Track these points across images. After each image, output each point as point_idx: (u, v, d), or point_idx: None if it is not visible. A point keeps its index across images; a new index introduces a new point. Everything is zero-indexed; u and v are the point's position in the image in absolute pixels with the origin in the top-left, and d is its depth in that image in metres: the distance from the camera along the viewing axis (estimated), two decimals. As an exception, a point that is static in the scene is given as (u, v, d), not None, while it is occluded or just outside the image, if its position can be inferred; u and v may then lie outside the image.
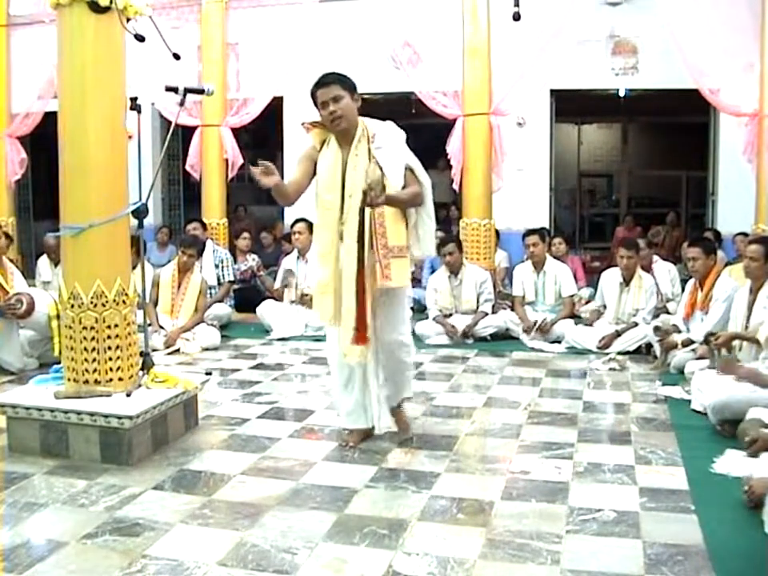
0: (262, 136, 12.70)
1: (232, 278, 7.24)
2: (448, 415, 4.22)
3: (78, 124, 3.58)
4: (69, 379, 3.67)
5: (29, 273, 7.41)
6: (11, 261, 6.16)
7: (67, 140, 3.61)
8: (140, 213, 3.73)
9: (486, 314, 6.37)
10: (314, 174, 3.49)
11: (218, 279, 7.12)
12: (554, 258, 6.79)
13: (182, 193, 10.24)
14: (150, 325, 4.84)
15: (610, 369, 5.33)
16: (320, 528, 2.77)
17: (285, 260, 7.15)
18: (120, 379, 3.65)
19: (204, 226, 7.56)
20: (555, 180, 9.12)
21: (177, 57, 3.91)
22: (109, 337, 3.63)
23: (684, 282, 5.94)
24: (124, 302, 3.67)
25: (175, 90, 3.80)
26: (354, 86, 3.42)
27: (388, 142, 3.44)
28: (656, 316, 5.83)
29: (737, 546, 2.63)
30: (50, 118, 6.57)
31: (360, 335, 3.38)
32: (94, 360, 3.61)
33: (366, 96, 3.49)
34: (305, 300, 6.68)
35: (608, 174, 14.56)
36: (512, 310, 6.59)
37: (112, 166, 3.64)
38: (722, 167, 8.12)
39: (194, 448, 3.65)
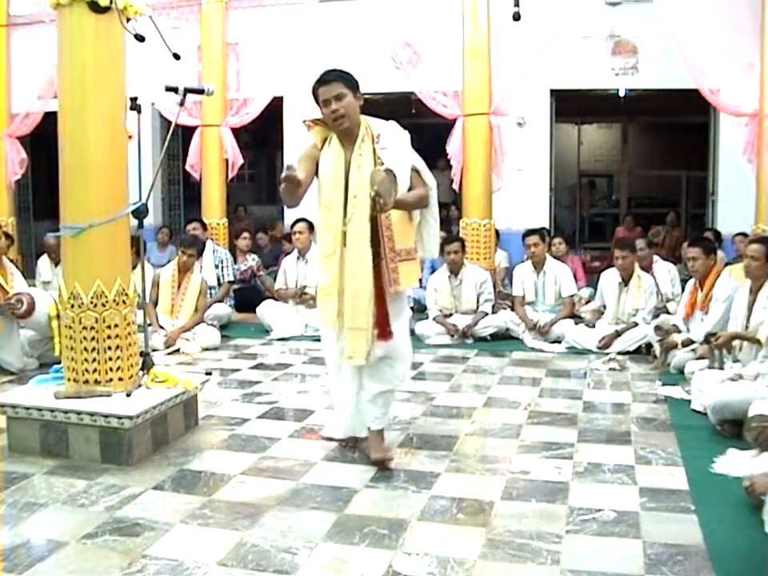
0: (262, 136, 12.73)
1: (232, 278, 7.24)
2: (448, 415, 4.22)
3: (78, 124, 3.58)
4: (69, 379, 3.67)
5: (29, 273, 7.42)
6: (11, 261, 6.16)
7: (67, 140, 3.61)
8: (140, 213, 3.73)
9: (486, 314, 6.37)
10: (316, 173, 3.42)
11: (218, 279, 7.12)
12: (554, 258, 6.79)
13: (182, 193, 10.24)
14: (149, 325, 4.84)
15: (610, 369, 5.33)
16: (320, 528, 2.77)
17: (285, 260, 7.15)
18: (120, 379, 3.66)
19: (204, 226, 7.56)
20: (555, 180, 9.12)
21: (177, 57, 3.91)
22: (109, 337, 3.63)
23: (684, 282, 5.94)
24: (124, 302, 3.68)
25: (175, 90, 3.80)
26: (356, 84, 3.35)
27: (393, 142, 3.37)
28: (656, 316, 5.82)
29: (737, 546, 2.63)
30: (50, 118, 6.57)
31: (383, 333, 3.31)
32: (94, 360, 3.61)
33: (365, 96, 3.46)
34: (305, 299, 6.69)
35: (608, 174, 14.56)
36: (512, 310, 6.59)
37: (112, 166, 3.64)
38: (722, 167, 8.13)
39: (193, 448, 3.65)
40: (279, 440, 3.78)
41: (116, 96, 3.67)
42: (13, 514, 2.88)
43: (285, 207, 8.18)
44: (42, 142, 8.82)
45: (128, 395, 3.56)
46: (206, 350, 6.00)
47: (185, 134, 8.58)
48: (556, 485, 3.18)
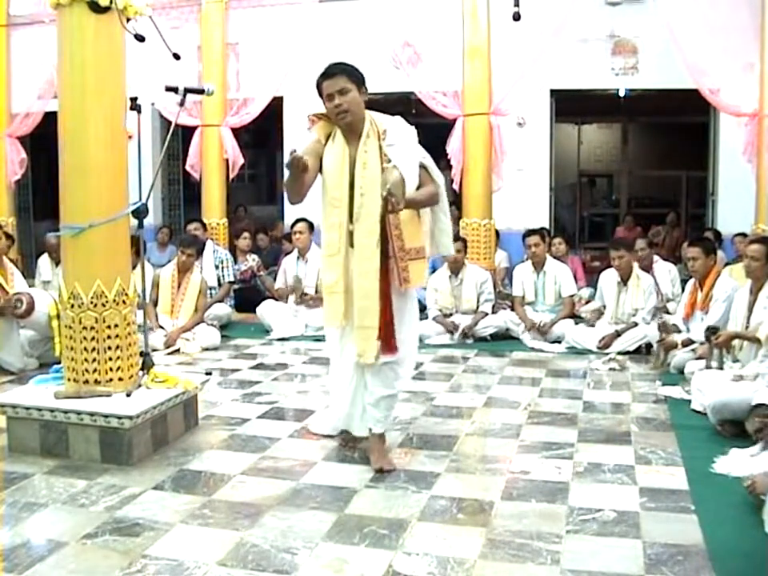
0: (262, 136, 12.72)
1: (232, 279, 7.24)
2: (448, 415, 4.22)
3: (78, 124, 3.58)
4: (69, 379, 3.67)
5: (29, 273, 7.42)
6: (11, 261, 6.16)
7: (67, 140, 3.61)
8: (140, 213, 3.73)
9: (486, 314, 6.37)
10: (320, 169, 3.34)
11: (218, 280, 7.12)
12: (554, 258, 6.79)
13: (182, 193, 10.25)
14: (150, 326, 4.83)
15: (610, 369, 5.33)
16: (320, 528, 2.77)
17: (285, 260, 7.15)
18: (120, 379, 3.66)
19: (204, 226, 7.57)
20: (555, 180, 9.12)
21: (177, 57, 3.91)
22: (109, 337, 3.63)
23: (684, 282, 5.94)
24: (124, 302, 3.68)
25: (175, 90, 3.80)
26: (362, 79, 3.27)
27: (400, 139, 3.28)
28: (655, 316, 5.83)
29: (737, 546, 2.62)
30: (50, 118, 6.57)
31: (388, 344, 3.26)
32: (94, 360, 3.61)
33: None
34: (305, 300, 6.69)
35: (608, 174, 14.56)
36: (512, 310, 6.59)
37: (112, 165, 3.64)
38: (722, 167, 8.12)
39: (193, 448, 3.65)
40: (279, 440, 3.78)
41: (116, 96, 3.66)
42: (13, 514, 2.88)
43: (286, 205, 8.19)
44: (42, 142, 8.82)
45: (128, 395, 3.56)
46: (206, 349, 6.00)
47: (185, 134, 8.58)
48: (556, 485, 3.18)
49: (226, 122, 8.33)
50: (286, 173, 3.03)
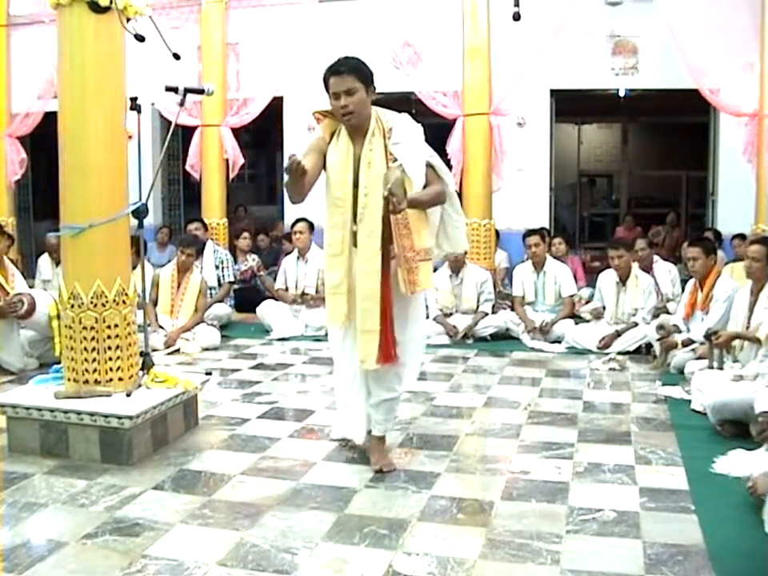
0: (262, 136, 12.73)
1: (232, 279, 7.23)
2: (448, 415, 4.22)
3: (78, 124, 3.58)
4: (69, 379, 3.67)
5: (29, 273, 7.42)
6: (11, 261, 6.16)
7: (67, 140, 3.61)
8: (140, 213, 3.73)
9: (486, 314, 6.37)
10: (324, 166, 3.27)
11: (219, 280, 7.11)
12: (554, 258, 6.79)
13: (182, 193, 10.25)
14: (149, 325, 4.84)
15: (610, 369, 5.33)
16: (320, 528, 2.77)
17: (285, 260, 7.15)
18: (120, 379, 3.66)
19: (205, 226, 7.56)
20: (555, 180, 9.12)
21: (177, 57, 3.91)
22: (109, 337, 3.63)
23: (684, 282, 5.94)
24: (124, 302, 3.67)
25: (175, 90, 3.80)
26: (370, 78, 3.15)
27: (406, 137, 3.19)
28: (656, 316, 5.83)
29: (737, 546, 2.62)
30: (49, 118, 6.57)
31: (386, 352, 3.19)
32: (94, 360, 3.61)
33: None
34: (305, 299, 6.69)
35: (608, 174, 14.57)
36: (512, 310, 6.59)
37: (112, 165, 3.64)
38: (722, 167, 8.12)
39: (193, 448, 3.65)
40: (279, 440, 3.78)
41: (116, 96, 3.66)
42: (13, 514, 2.88)
43: (286, 205, 8.20)
44: (42, 142, 8.82)
45: (128, 395, 3.56)
46: (206, 349, 6.00)
47: (185, 134, 8.58)
48: (556, 485, 3.18)
49: (226, 122, 8.33)
50: (286, 177, 2.99)
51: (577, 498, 3.03)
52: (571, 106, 9.42)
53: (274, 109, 8.62)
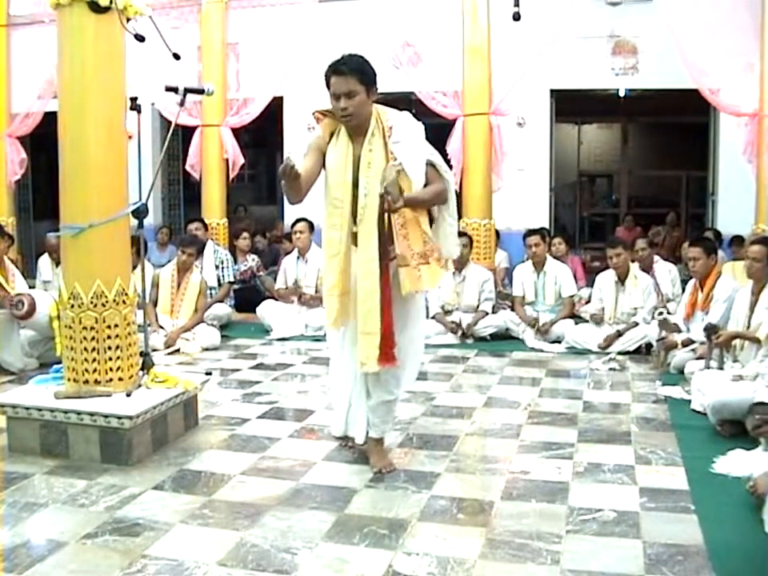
0: (262, 136, 12.72)
1: (232, 279, 7.23)
2: (448, 415, 4.22)
3: (78, 124, 3.58)
4: (69, 379, 3.67)
5: (29, 273, 7.42)
6: (12, 261, 6.16)
7: (67, 140, 3.61)
8: (140, 213, 3.73)
9: (487, 314, 6.37)
10: (323, 166, 3.24)
11: (219, 280, 7.11)
12: (554, 258, 6.79)
13: (182, 193, 10.25)
14: (149, 325, 4.84)
15: (610, 369, 5.33)
16: (320, 528, 2.77)
17: (285, 260, 7.15)
18: (120, 379, 3.66)
19: (205, 226, 7.56)
20: (555, 180, 9.12)
21: (177, 57, 3.90)
22: (109, 337, 3.63)
23: (684, 282, 5.94)
24: (124, 302, 3.68)
25: (175, 90, 3.80)
26: (372, 79, 3.10)
27: (407, 135, 3.15)
28: (656, 316, 5.82)
29: (737, 546, 2.63)
30: (49, 118, 6.57)
31: (387, 355, 3.15)
32: (94, 360, 3.61)
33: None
34: (305, 300, 6.69)
35: (608, 174, 14.56)
36: (512, 310, 6.59)
37: (112, 165, 3.64)
38: (722, 167, 8.12)
39: (193, 448, 3.65)
40: (279, 440, 3.78)
41: (116, 96, 3.67)
42: (13, 514, 2.88)
43: (286, 205, 8.18)
44: (42, 142, 8.83)
45: (128, 395, 3.56)
46: (206, 349, 6.00)
47: (185, 133, 8.58)
48: (556, 485, 3.18)
49: (226, 122, 8.33)
50: (281, 179, 2.96)
51: (577, 498, 3.03)
52: (571, 106, 9.42)
53: (274, 109, 8.62)
